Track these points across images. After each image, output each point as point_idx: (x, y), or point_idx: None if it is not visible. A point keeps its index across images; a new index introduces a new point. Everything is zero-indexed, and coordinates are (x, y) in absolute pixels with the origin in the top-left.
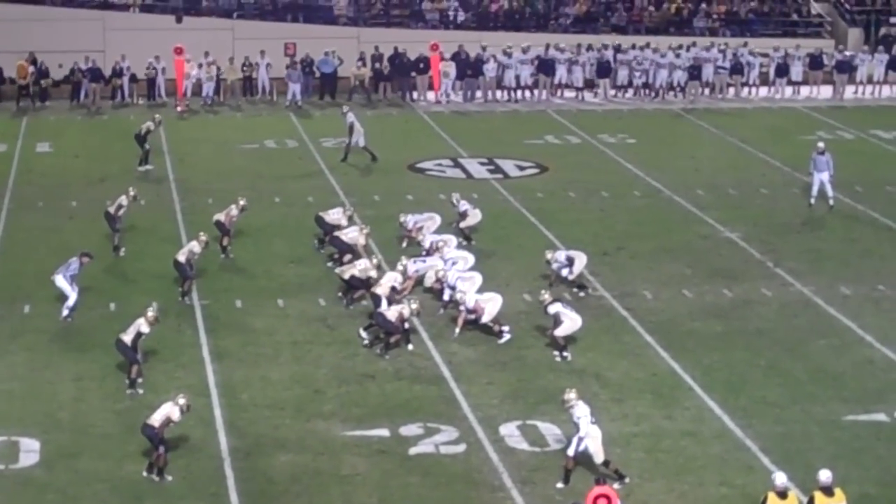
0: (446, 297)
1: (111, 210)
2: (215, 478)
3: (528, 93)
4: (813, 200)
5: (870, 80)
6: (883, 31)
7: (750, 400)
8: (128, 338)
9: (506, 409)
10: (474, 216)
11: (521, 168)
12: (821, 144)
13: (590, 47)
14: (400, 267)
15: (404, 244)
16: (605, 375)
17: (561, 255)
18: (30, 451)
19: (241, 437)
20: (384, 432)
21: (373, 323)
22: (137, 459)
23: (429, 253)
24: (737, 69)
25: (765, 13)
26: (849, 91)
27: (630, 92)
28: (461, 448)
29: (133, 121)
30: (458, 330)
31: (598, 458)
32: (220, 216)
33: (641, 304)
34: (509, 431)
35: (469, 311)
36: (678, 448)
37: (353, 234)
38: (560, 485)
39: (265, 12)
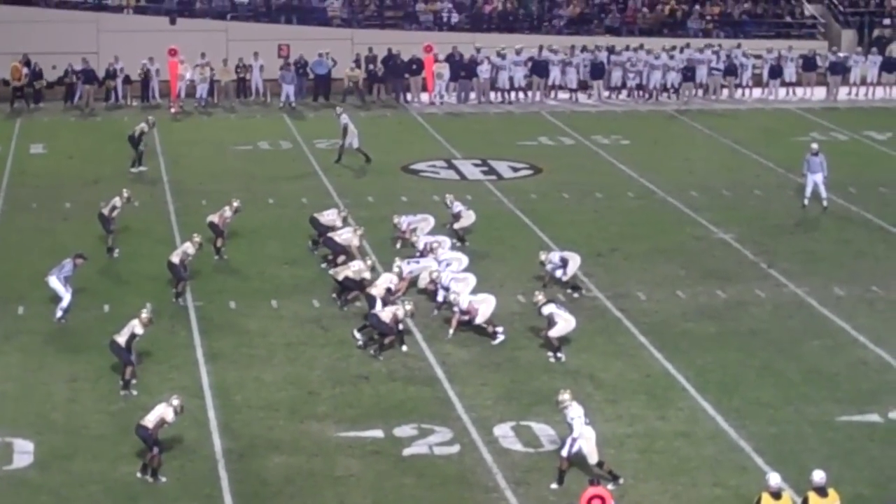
0: (440, 298)
1: (105, 211)
2: (209, 479)
3: (521, 94)
4: (806, 202)
5: (863, 82)
6: (876, 32)
7: (744, 401)
8: (122, 339)
9: (500, 410)
10: (468, 217)
11: (515, 169)
12: (814, 146)
13: (584, 49)
14: (395, 269)
15: (398, 245)
16: (598, 376)
17: (555, 256)
18: (23, 452)
19: (234, 439)
20: (378, 433)
21: (367, 324)
22: (131, 461)
23: (423, 254)
24: (730, 70)
25: (758, 15)
26: (842, 92)
27: (624, 93)
28: (455, 449)
29: (127, 122)
30: (451, 331)
31: (592, 458)
32: (214, 217)
33: (635, 305)
34: (503, 432)
35: (462, 313)
36: (672, 449)
37: (346, 236)
38: (554, 486)
39: (259, 14)
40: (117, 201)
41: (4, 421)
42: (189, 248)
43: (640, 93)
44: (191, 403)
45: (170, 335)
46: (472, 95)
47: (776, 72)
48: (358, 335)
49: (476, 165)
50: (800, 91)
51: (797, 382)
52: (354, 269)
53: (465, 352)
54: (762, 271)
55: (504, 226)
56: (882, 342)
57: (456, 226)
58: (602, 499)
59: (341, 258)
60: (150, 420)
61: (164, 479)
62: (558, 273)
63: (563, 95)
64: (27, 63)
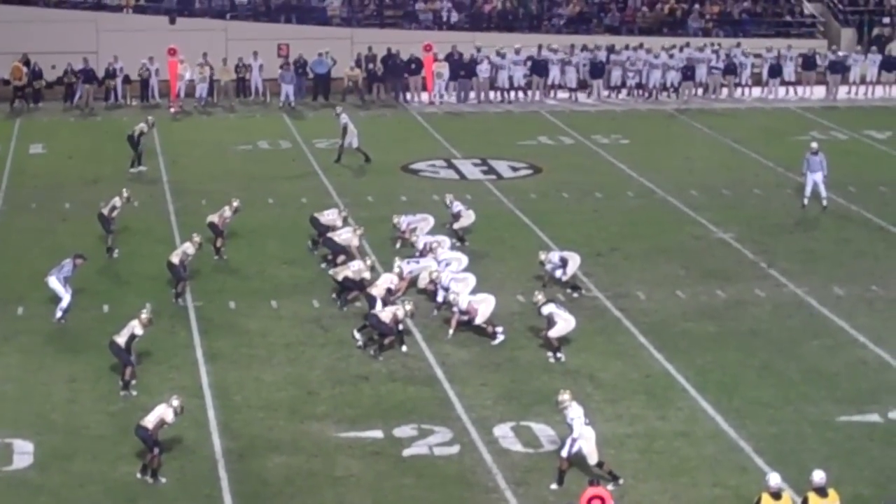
0: (440, 298)
1: (105, 211)
2: (209, 479)
3: (521, 94)
4: (806, 201)
5: (863, 81)
6: (876, 31)
7: (743, 401)
8: (121, 339)
9: (499, 411)
10: (468, 217)
11: (515, 169)
12: (814, 145)
13: (584, 48)
14: (396, 269)
15: (398, 245)
16: (598, 376)
17: (554, 255)
18: (23, 452)
19: (234, 439)
20: (378, 434)
21: (367, 324)
22: (131, 461)
23: (422, 254)
24: (730, 70)
25: (758, 13)
26: (842, 91)
27: (623, 92)
28: (455, 449)
29: (126, 122)
30: (451, 331)
31: (592, 459)
32: (214, 217)
33: (635, 304)
34: (503, 433)
35: (462, 313)
36: (672, 449)
37: (346, 236)
38: (554, 486)
39: (258, 13)
40: (117, 201)
41: (4, 421)
42: (189, 248)
43: (640, 92)
44: (190, 404)
45: (169, 335)
46: (472, 95)
47: (776, 71)
48: (358, 335)
49: (476, 165)
50: (799, 90)
51: (797, 382)
52: (354, 269)
53: (464, 352)
54: (762, 271)
55: (504, 226)
56: (882, 342)
57: (456, 226)
58: (602, 499)
59: (341, 258)
60: (149, 421)
61: (163, 480)
62: (558, 273)
63: (562, 95)
64: (27, 63)
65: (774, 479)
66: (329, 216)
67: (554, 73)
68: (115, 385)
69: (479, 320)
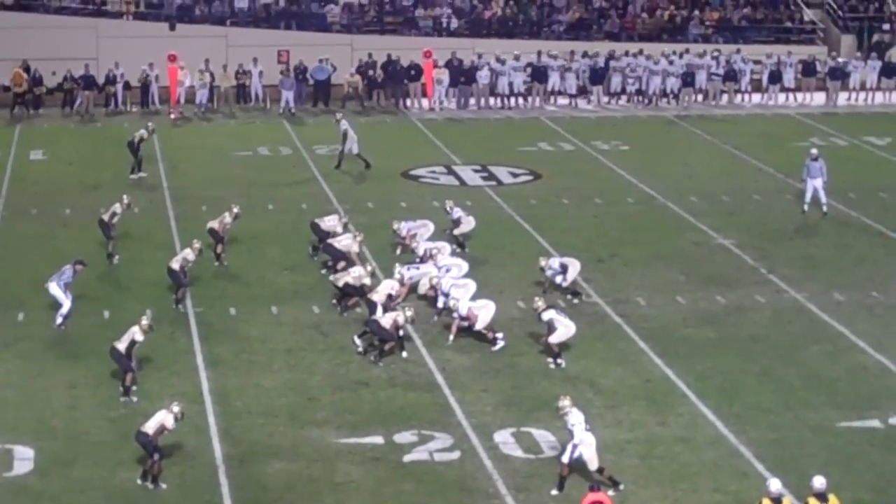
0: (440, 304)
1: (105, 217)
2: (209, 485)
3: (521, 100)
4: (806, 207)
5: (863, 87)
6: (875, 37)
7: (743, 406)
8: (122, 346)
9: (500, 416)
10: (468, 223)
11: (515, 175)
12: (814, 151)
13: (584, 54)
14: (397, 275)
15: (398, 251)
16: (598, 382)
17: (555, 261)
18: (24, 458)
19: (235, 445)
20: (378, 439)
21: (367, 330)
22: (132, 467)
23: (422, 260)
24: (730, 76)
25: (758, 20)
26: (842, 98)
27: (623, 99)
28: (455, 455)
29: (126, 128)
30: (451, 337)
31: (593, 464)
32: (214, 224)
33: (635, 310)
34: (503, 438)
35: (462, 319)
36: (672, 455)
37: (346, 242)
38: (555, 492)
39: (258, 20)
40: (117, 207)
41: (4, 427)
42: (189, 254)
43: (640, 98)
44: (191, 409)
45: (170, 341)
46: (472, 101)
47: (776, 77)
48: (358, 341)
49: (476, 171)
50: (799, 96)
51: (797, 388)
52: (354, 275)
53: (465, 358)
54: (762, 277)
55: (504, 231)
56: (882, 347)
57: (456, 231)
58: None
59: (341, 264)
60: (150, 426)
61: (164, 486)
62: (558, 279)
63: (562, 101)
64: (27, 69)
65: (775, 484)
66: (329, 222)
67: (554, 80)
68: (115, 391)
69: (479, 326)
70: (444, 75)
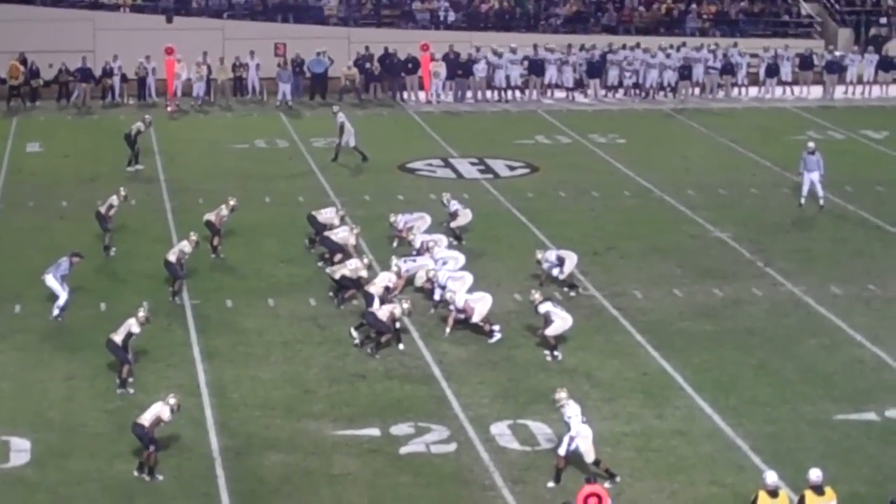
0: (437, 296)
1: (102, 210)
2: (206, 477)
3: (518, 93)
4: (803, 200)
5: (860, 81)
6: (873, 31)
7: (740, 399)
8: (118, 338)
9: (496, 409)
10: (465, 216)
11: (512, 168)
12: (811, 144)
13: (581, 47)
14: (394, 267)
15: (395, 244)
16: (595, 375)
17: (551, 254)
18: (20, 450)
19: (231, 437)
20: (375, 432)
21: (363, 322)
22: (128, 459)
23: (419, 253)
24: (727, 69)
25: (755, 13)
26: (839, 91)
27: (620, 92)
28: (452, 447)
29: (123, 121)
30: (448, 329)
31: (589, 457)
32: (211, 216)
33: (632, 303)
34: (500, 431)
35: (458, 311)
36: (669, 447)
37: (343, 234)
38: (551, 484)
39: (255, 12)
40: (114, 200)
41: (1, 419)
42: (186, 246)
43: (637, 91)
44: (187, 402)
45: (167, 333)
46: (469, 94)
47: (773, 70)
48: (355, 333)
49: (473, 164)
50: (796, 90)
51: (794, 381)
52: (351, 267)
53: (461, 350)
54: (759, 270)
55: (501, 224)
56: (878, 341)
57: (453, 224)
58: (599, 497)
59: (338, 256)
60: (146, 418)
61: (160, 478)
62: (555, 271)
63: (559, 94)
64: (24, 61)
65: (771, 477)
66: (326, 215)
67: (551, 73)
68: (112, 383)
69: (475, 319)
70: (441, 68)
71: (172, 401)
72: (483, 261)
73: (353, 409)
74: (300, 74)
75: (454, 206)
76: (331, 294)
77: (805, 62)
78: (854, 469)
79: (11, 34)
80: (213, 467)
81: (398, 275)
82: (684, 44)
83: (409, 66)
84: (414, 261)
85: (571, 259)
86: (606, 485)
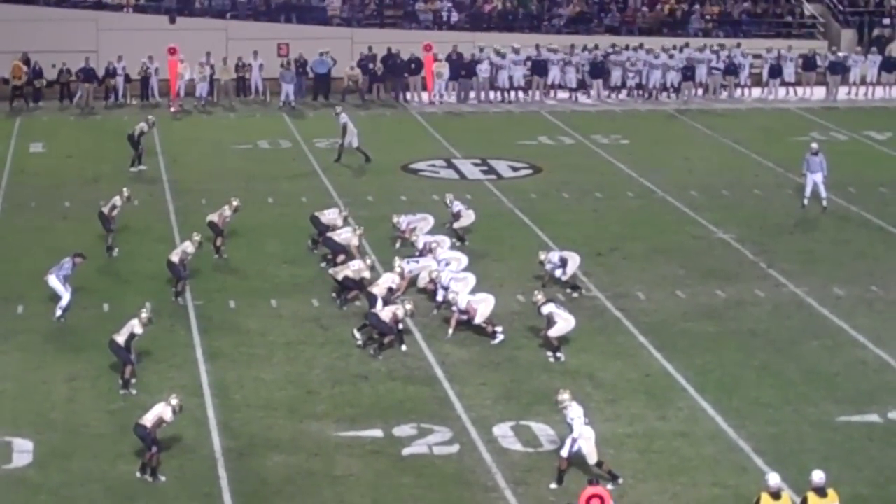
0: (440, 297)
1: (105, 210)
2: (208, 478)
3: (521, 94)
4: (806, 201)
5: (863, 82)
6: (876, 32)
7: (743, 401)
8: (121, 338)
9: (499, 410)
10: (468, 217)
11: (515, 169)
12: (814, 145)
13: (584, 48)
14: (397, 268)
15: (398, 245)
16: (598, 376)
17: (554, 255)
18: (23, 451)
19: (234, 438)
20: (377, 433)
21: (366, 323)
22: (131, 460)
23: (422, 254)
24: (730, 70)
25: (758, 14)
26: (842, 92)
27: (623, 93)
28: (455, 449)
29: (126, 121)
30: (451, 331)
31: (592, 458)
32: (214, 217)
33: (635, 304)
34: (503, 432)
35: (461, 312)
36: (671, 449)
37: (345, 235)
38: (553, 485)
39: (258, 13)
40: (117, 200)
41: (4, 420)
42: (189, 247)
43: (640, 92)
44: (190, 402)
45: (169, 334)
46: (472, 95)
47: (776, 71)
48: (357, 334)
49: (476, 165)
50: (800, 91)
51: (796, 382)
52: (354, 268)
53: (464, 351)
54: (762, 271)
55: (503, 225)
56: (881, 342)
57: (455, 225)
58: (601, 498)
59: (341, 257)
60: (148, 419)
61: (163, 479)
62: (558, 273)
63: (562, 95)
64: (27, 62)
65: (774, 479)
66: (329, 215)
67: (554, 74)
68: (114, 384)
69: (478, 320)
70: (445, 69)
71: (174, 401)
72: (486, 262)
73: (356, 410)
74: (303, 75)
75: (457, 206)
76: (333, 295)
77: (808, 63)
78: (856, 471)
79: (15, 34)
80: (216, 468)
81: (401, 276)
82: (687, 44)
83: (413, 66)
84: (417, 262)
85: (574, 260)
86: (609, 486)
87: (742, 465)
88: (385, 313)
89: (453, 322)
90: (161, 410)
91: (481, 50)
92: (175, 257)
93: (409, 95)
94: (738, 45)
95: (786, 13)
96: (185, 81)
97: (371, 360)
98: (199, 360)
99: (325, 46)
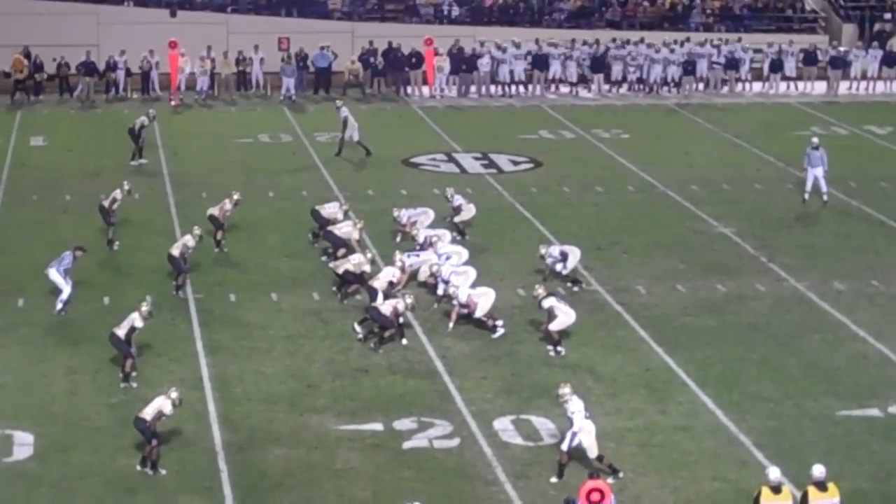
0: (440, 291)
1: (105, 204)
2: (209, 471)
3: (522, 88)
4: (807, 196)
5: (864, 76)
6: (877, 26)
7: (743, 395)
8: (121, 332)
9: (499, 404)
10: (468, 211)
11: (516, 163)
12: (815, 140)
13: (584, 42)
14: (398, 262)
15: (398, 239)
16: (598, 370)
17: (555, 249)
18: (23, 444)
19: (234, 431)
20: (378, 426)
21: (367, 317)
22: (131, 453)
23: (423, 247)
24: (731, 64)
25: (759, 9)
26: (843, 87)
27: (624, 87)
28: (455, 442)
29: (127, 115)
30: (451, 324)
31: (592, 452)
32: (214, 210)
33: (635, 298)
34: (503, 426)
35: (462, 306)
36: (672, 443)
37: (346, 229)
38: (554, 479)
39: (259, 7)
40: (118, 194)
41: (4, 413)
42: (189, 240)
43: (641, 86)
44: (190, 396)
45: (170, 327)
46: (473, 89)
47: (777, 66)
48: (358, 328)
49: (476, 159)
50: (800, 85)
51: (797, 377)
52: (354, 262)
53: (464, 345)
54: (762, 265)
55: (504, 219)
56: (882, 337)
57: (456, 219)
58: (601, 492)
59: (341, 251)
60: (148, 412)
61: (163, 472)
62: (558, 267)
63: (563, 89)
64: (28, 55)
65: (774, 473)
66: (330, 209)
67: (555, 68)
68: (115, 377)
69: (478, 314)
70: (445, 63)
71: (174, 395)
72: (486, 256)
73: (357, 403)
74: (304, 69)
75: (458, 200)
76: (334, 289)
77: (809, 57)
78: (857, 465)
79: (15, 28)
80: (216, 461)
81: (402, 270)
82: (688, 39)
83: (413, 60)
84: (417, 255)
85: (575, 254)
86: (609, 480)
87: (742, 459)
88: (385, 307)
89: (454, 316)
90: (161, 404)
91: (482, 44)
92: (176, 251)
93: (409, 89)
94: (739, 40)
95: (787, 7)
96: (185, 75)
97: (371, 353)
98: (200, 354)
99: (326, 40)
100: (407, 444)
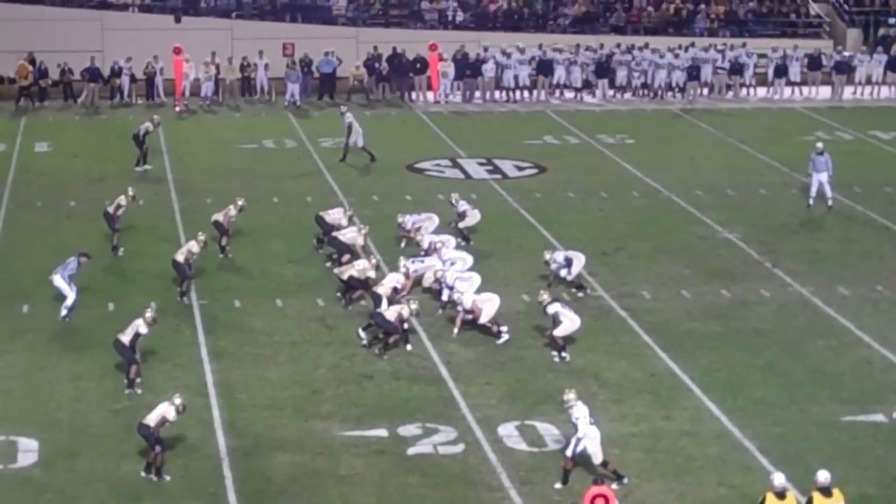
0: (445, 297)
1: (110, 210)
2: (214, 477)
3: (526, 93)
4: (811, 201)
5: (868, 81)
6: (882, 31)
7: (748, 400)
8: (126, 338)
9: (504, 410)
10: (473, 216)
11: (520, 168)
12: (819, 145)
13: (588, 48)
14: (402, 268)
15: (403, 244)
16: (603, 376)
17: (559, 255)
18: (28, 450)
19: (239, 437)
20: (382, 432)
21: (371, 323)
22: (136, 459)
23: (427, 253)
24: (736, 70)
25: (764, 14)
26: (847, 92)
27: (629, 92)
28: (459, 448)
29: (132, 120)
30: (456, 330)
31: (597, 458)
32: (219, 216)
33: (640, 304)
34: (508, 432)
35: (466, 312)
36: (676, 448)
37: (351, 235)
38: (558, 485)
39: (264, 12)
40: (122, 200)
41: (9, 419)
42: (194, 246)
43: (645, 92)
44: (195, 402)
45: (174, 334)
46: (477, 94)
47: (781, 71)
48: (363, 334)
49: (481, 164)
50: (805, 90)
51: (802, 382)
52: (359, 268)
53: (469, 351)
54: (767, 271)
55: (509, 225)
56: (887, 342)
57: (461, 225)
58: (606, 498)
59: (346, 257)
60: (151, 419)
61: (168, 478)
62: (563, 272)
63: (567, 94)
64: (32, 61)
65: (779, 478)
66: (334, 215)
67: (559, 73)
68: (119, 383)
69: (483, 319)
70: (450, 68)
71: (178, 401)
72: (491, 261)
73: (361, 409)
74: (309, 74)
75: (462, 206)
76: (338, 294)
77: (814, 62)
78: (862, 471)
79: (20, 34)
80: (221, 467)
81: (406, 275)
82: (693, 44)
83: (418, 66)
84: (422, 261)
85: (579, 260)
86: (614, 486)
87: (747, 465)
88: (390, 313)
89: (458, 321)
90: (164, 410)
91: (486, 49)
92: (180, 257)
93: (414, 95)
94: (744, 45)
95: (791, 13)
96: (190, 81)
97: (376, 359)
98: (205, 360)
99: (331, 46)
100: (411, 450)
